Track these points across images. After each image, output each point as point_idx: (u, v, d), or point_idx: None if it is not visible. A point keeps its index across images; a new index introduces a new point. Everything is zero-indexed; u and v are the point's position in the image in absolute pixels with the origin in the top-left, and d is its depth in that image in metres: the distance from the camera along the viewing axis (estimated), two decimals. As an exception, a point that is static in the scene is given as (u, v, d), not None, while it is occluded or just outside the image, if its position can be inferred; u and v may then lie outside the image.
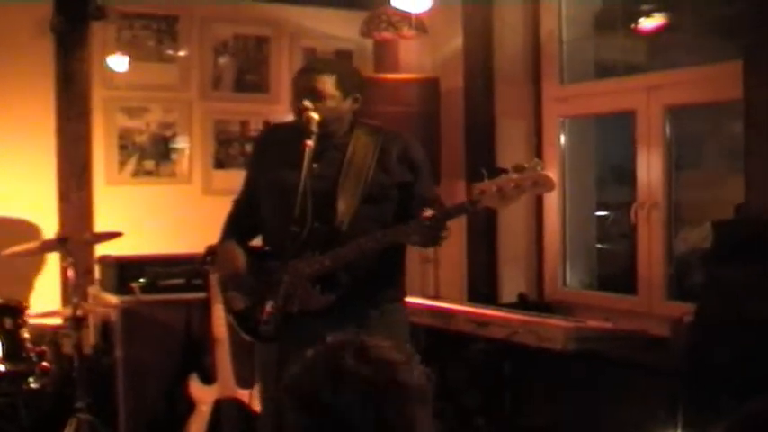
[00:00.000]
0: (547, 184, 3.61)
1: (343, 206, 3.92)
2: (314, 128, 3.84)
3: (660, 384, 4.65)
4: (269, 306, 3.72)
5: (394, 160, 4.02)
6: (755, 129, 4.64)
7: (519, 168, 3.59)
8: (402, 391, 1.94)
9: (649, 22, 6.02)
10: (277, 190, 3.98)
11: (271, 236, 4.11)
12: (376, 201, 3.97)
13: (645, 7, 5.97)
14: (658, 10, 5.94)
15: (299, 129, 3.90)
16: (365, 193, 3.95)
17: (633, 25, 6.04)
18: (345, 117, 4.05)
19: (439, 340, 5.56)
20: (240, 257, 4.11)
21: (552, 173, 5.90)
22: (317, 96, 3.93)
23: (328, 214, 3.89)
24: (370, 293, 3.98)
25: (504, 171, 3.61)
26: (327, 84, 3.96)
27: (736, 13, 4.91)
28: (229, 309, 4.15)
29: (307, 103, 3.91)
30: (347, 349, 1.97)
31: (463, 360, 5.54)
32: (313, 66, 4.21)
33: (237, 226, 4.26)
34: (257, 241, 4.27)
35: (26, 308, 5.48)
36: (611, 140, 6.56)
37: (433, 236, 3.80)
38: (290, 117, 6.27)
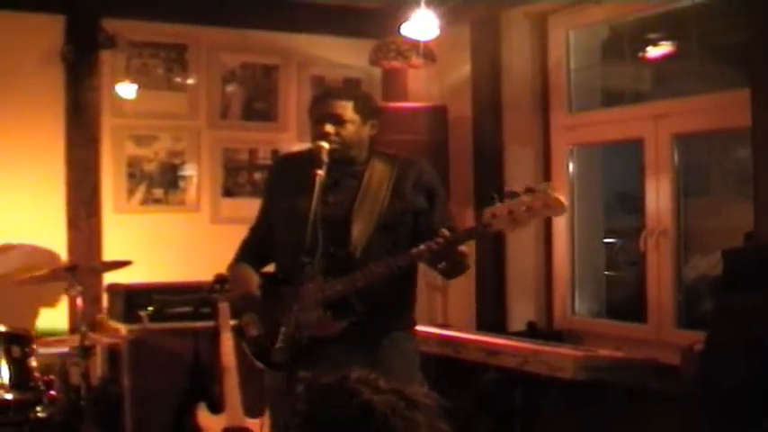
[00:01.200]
0: (558, 207, 3.59)
1: (358, 233, 3.90)
2: (324, 157, 3.84)
3: (671, 413, 4.64)
4: (282, 333, 3.72)
5: (409, 187, 4.01)
6: (764, 156, 4.65)
7: (530, 191, 3.58)
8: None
9: (656, 51, 6.04)
10: (289, 219, 3.98)
11: (283, 264, 4.10)
12: (391, 228, 3.95)
13: (651, 36, 6.00)
14: (665, 38, 5.96)
15: (311, 157, 3.90)
16: (380, 221, 3.94)
17: (640, 53, 6.06)
18: (365, 142, 4.05)
19: (449, 369, 5.54)
20: (254, 280, 4.10)
21: (561, 201, 5.95)
22: (338, 121, 3.94)
23: (342, 241, 3.88)
24: (382, 321, 3.96)
25: (515, 194, 3.59)
26: (347, 109, 3.97)
27: (743, 41, 4.91)
28: (243, 335, 4.13)
29: (329, 128, 3.92)
30: (361, 382, 1.94)
31: (474, 389, 5.52)
32: (330, 92, 4.22)
33: (251, 252, 4.25)
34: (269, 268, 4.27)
35: (34, 336, 5.47)
36: (617, 167, 6.57)
37: (442, 259, 3.77)
38: (299, 145, 6.39)
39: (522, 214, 3.57)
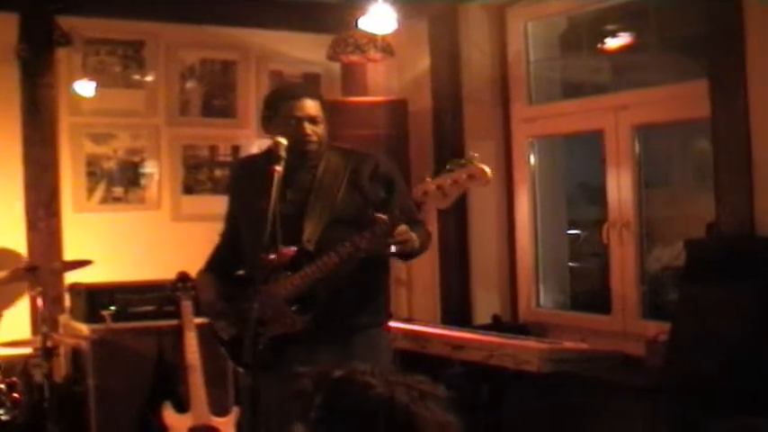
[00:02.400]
0: (482, 177, 3.62)
1: (310, 228, 3.93)
2: (282, 153, 3.84)
3: (637, 403, 4.66)
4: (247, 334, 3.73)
5: (365, 179, 4.03)
6: (723, 147, 4.69)
7: (457, 164, 3.63)
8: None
9: (615, 42, 6.06)
10: (252, 219, 3.98)
11: (249, 264, 4.10)
12: (348, 222, 3.94)
13: (610, 27, 6.02)
14: (623, 30, 5.99)
15: (269, 158, 3.90)
16: (334, 214, 3.96)
17: (599, 45, 6.08)
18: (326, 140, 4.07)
19: (414, 364, 5.54)
20: (211, 287, 4.16)
21: (523, 193, 6.00)
22: (315, 121, 3.99)
23: (297, 236, 3.89)
24: (352, 318, 3.98)
25: (444, 170, 3.65)
26: (318, 108, 4.02)
27: (701, 33, 4.94)
28: (219, 340, 4.13)
29: (310, 129, 3.96)
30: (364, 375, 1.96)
31: (440, 384, 5.51)
32: (301, 91, 4.16)
33: (220, 258, 4.28)
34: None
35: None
36: (578, 159, 6.60)
37: (384, 241, 3.78)
38: (259, 141, 6.37)
39: (450, 188, 3.62)
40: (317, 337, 3.84)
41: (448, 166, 3.64)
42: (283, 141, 3.86)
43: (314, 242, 3.90)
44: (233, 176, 4.53)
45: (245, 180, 4.21)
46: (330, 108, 4.20)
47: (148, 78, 6.74)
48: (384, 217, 3.72)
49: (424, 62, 6.58)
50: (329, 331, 3.89)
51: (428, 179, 3.65)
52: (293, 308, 3.86)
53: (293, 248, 3.86)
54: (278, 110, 4.03)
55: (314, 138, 3.97)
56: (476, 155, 3.66)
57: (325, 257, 3.81)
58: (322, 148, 4.03)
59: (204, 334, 5.38)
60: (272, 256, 3.74)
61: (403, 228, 3.77)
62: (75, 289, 6.10)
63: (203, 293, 4.24)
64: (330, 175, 4.02)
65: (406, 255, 4.01)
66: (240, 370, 4.06)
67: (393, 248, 3.86)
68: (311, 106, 3.99)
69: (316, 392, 1.98)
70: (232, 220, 4.27)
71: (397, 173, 4.18)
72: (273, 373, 3.70)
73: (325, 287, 3.86)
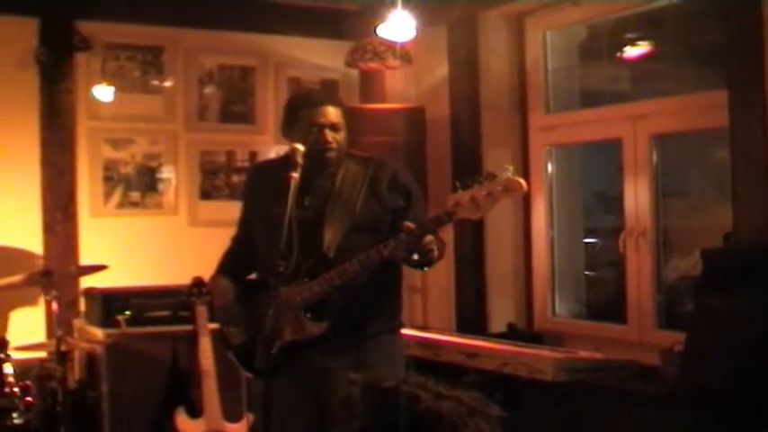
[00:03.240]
0: (518, 189, 3.62)
1: (330, 234, 3.91)
2: (299, 160, 3.82)
3: (652, 414, 4.63)
4: (261, 340, 3.72)
5: (384, 188, 4.03)
6: (741, 156, 4.65)
7: (490, 176, 3.61)
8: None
9: (633, 51, 6.04)
10: (267, 224, 3.96)
11: (263, 269, 4.09)
12: (367, 229, 3.96)
13: (629, 36, 5.99)
14: (642, 39, 5.96)
15: (287, 163, 3.89)
16: (354, 222, 3.94)
17: (618, 54, 6.05)
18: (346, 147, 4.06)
19: (428, 371, 5.52)
20: (228, 291, 4.11)
21: (540, 201, 5.97)
22: (336, 128, 3.98)
23: (316, 243, 3.88)
24: (366, 324, 3.97)
25: (477, 180, 3.62)
26: (340, 116, 4.00)
27: (720, 42, 4.91)
28: (227, 345, 4.12)
29: (331, 136, 3.94)
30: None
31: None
32: (322, 98, 4.14)
33: (233, 262, 4.25)
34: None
35: (8, 342, 5.42)
36: (595, 168, 6.57)
37: (410, 250, 3.75)
38: (276, 147, 6.38)
39: (484, 199, 3.60)
40: (329, 344, 3.84)
41: (480, 178, 3.62)
42: (300, 148, 3.84)
43: (333, 249, 3.89)
44: (249, 181, 4.50)
45: (260, 185, 4.20)
46: (348, 115, 4.17)
47: (167, 84, 6.75)
48: (412, 226, 3.70)
49: (443, 70, 6.57)
50: (342, 337, 3.87)
51: (460, 190, 3.62)
52: (308, 315, 3.85)
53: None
54: (299, 116, 4.00)
55: (334, 145, 3.96)
56: (510, 167, 3.65)
57: (347, 264, 3.80)
58: (341, 155, 4.02)
59: (218, 339, 5.39)
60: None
61: (430, 238, 3.76)
62: (90, 293, 6.10)
63: (219, 297, 4.19)
64: (349, 183, 4.01)
65: (426, 264, 3.99)
66: (249, 375, 4.05)
67: (415, 257, 3.83)
68: (333, 113, 3.97)
69: (363, 400, 1.96)
70: (246, 224, 4.27)
71: (414, 183, 4.18)
72: (286, 379, 3.69)
73: (340, 294, 3.85)
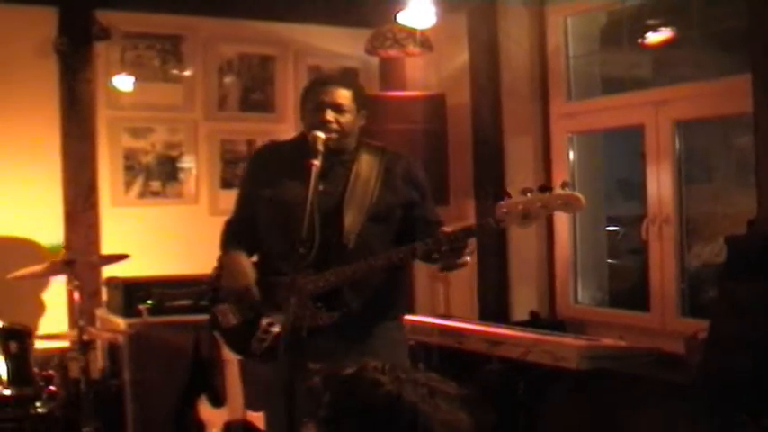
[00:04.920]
0: (577, 204, 3.59)
1: (350, 222, 3.89)
2: (320, 147, 3.80)
3: (676, 401, 4.61)
4: (265, 323, 3.71)
5: (399, 180, 4.02)
6: (766, 142, 4.61)
7: (544, 189, 3.59)
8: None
9: (655, 37, 5.99)
10: (278, 207, 3.93)
11: (272, 254, 4.03)
12: (382, 219, 3.95)
13: (651, 22, 5.95)
14: (664, 24, 5.92)
15: (299, 145, 3.88)
16: (371, 211, 3.93)
17: (639, 40, 6.01)
18: (356, 132, 4.04)
19: (451, 360, 5.52)
20: (249, 274, 4.00)
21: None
22: (339, 110, 3.94)
23: (334, 231, 3.86)
24: (374, 313, 3.96)
25: (529, 191, 3.58)
26: (347, 98, 3.97)
27: (743, 27, 4.88)
28: (216, 324, 4.07)
29: (330, 115, 3.91)
30: (375, 372, 1.94)
31: (476, 379, 5.49)
32: (330, 79, 4.15)
33: (236, 243, 4.16)
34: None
35: (32, 331, 5.43)
36: (617, 155, 6.54)
37: (450, 255, 3.74)
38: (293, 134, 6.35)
39: (537, 210, 3.58)
40: (335, 332, 3.81)
41: (535, 189, 3.58)
42: (321, 135, 3.83)
43: (353, 238, 3.87)
44: (254, 162, 4.38)
45: (269, 167, 4.13)
46: (364, 102, 4.12)
47: (187, 73, 6.75)
48: (450, 230, 3.70)
49: (463, 57, 6.55)
50: (350, 326, 3.86)
51: (513, 197, 3.59)
52: (319, 304, 3.83)
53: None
54: (309, 96, 4.02)
55: (334, 126, 3.91)
56: (568, 181, 3.63)
57: (372, 260, 3.79)
58: (345, 138, 3.98)
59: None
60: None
61: (473, 241, 3.75)
62: (112, 283, 6.12)
63: (235, 277, 4.01)
64: (365, 172, 3.99)
65: (458, 267, 3.95)
66: (237, 357, 4.01)
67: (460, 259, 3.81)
68: (340, 94, 3.95)
69: (324, 390, 1.96)
70: (247, 206, 4.18)
71: (425, 177, 4.17)
72: (288, 365, 3.66)
73: (351, 284, 3.85)
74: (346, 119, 3.96)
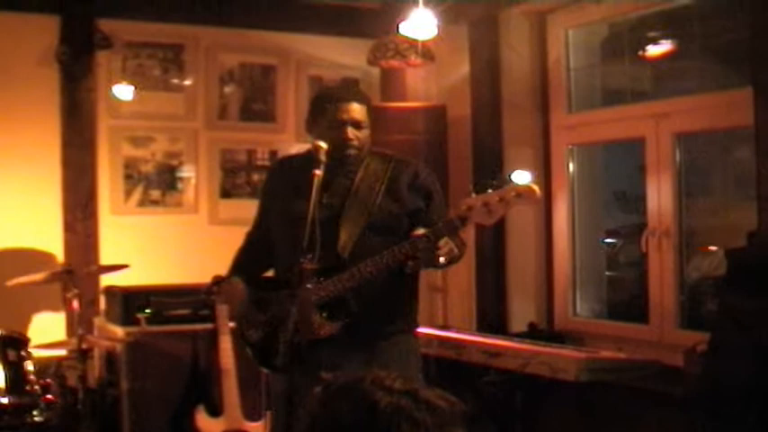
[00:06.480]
0: (531, 196, 3.62)
1: (345, 235, 3.89)
2: (322, 157, 3.80)
3: (674, 414, 4.60)
4: (282, 337, 3.71)
5: (404, 188, 3.99)
6: (766, 155, 4.61)
7: (504, 181, 3.62)
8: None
9: (656, 49, 6.00)
10: (287, 220, 3.95)
11: (280, 266, 4.07)
12: (383, 230, 3.92)
13: (651, 34, 5.95)
14: (665, 37, 5.92)
15: (309, 159, 3.86)
16: (370, 221, 3.91)
17: (640, 52, 6.02)
18: (369, 145, 4.03)
19: (450, 371, 5.51)
20: (240, 291, 4.07)
21: (561, 200, 5.94)
22: (359, 126, 3.94)
23: (332, 242, 3.85)
24: (381, 324, 3.94)
25: (490, 185, 3.62)
26: (363, 113, 3.97)
27: (743, 39, 4.88)
28: (246, 342, 4.10)
29: (352, 133, 3.91)
30: (370, 383, 1.90)
31: (475, 391, 5.48)
32: (346, 95, 4.06)
33: (247, 259, 4.22)
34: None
35: (30, 339, 5.42)
36: (613, 167, 6.54)
37: (427, 255, 3.75)
38: (297, 146, 6.36)
39: (497, 205, 3.62)
40: (345, 343, 3.81)
41: (494, 182, 3.61)
42: (323, 145, 3.82)
43: (348, 250, 3.87)
44: (270, 176, 4.43)
45: (281, 180, 4.16)
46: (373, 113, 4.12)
47: (187, 82, 6.74)
48: (422, 233, 3.69)
49: (464, 68, 6.55)
50: (356, 337, 3.85)
51: (473, 195, 3.61)
52: (324, 314, 3.82)
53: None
54: (323, 111, 3.98)
55: (355, 143, 3.93)
56: (527, 172, 3.65)
57: (362, 266, 3.78)
58: (363, 153, 3.99)
59: (239, 338, 5.38)
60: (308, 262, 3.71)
61: (445, 241, 3.74)
62: (110, 291, 6.11)
63: (233, 299, 4.14)
64: (368, 182, 3.98)
65: (443, 266, 3.96)
66: (266, 371, 4.04)
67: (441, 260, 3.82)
68: (357, 110, 3.94)
69: (317, 400, 1.94)
70: (263, 220, 4.24)
71: (436, 183, 4.14)
72: (299, 376, 3.66)
73: (357, 294, 3.83)
74: (364, 134, 3.97)
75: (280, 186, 4.15)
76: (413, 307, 4.12)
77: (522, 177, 3.62)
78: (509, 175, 3.67)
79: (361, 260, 3.79)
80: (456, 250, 3.84)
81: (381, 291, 3.89)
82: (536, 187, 3.62)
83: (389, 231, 3.93)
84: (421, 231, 3.72)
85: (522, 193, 3.59)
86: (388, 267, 3.77)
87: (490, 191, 3.60)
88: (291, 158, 4.50)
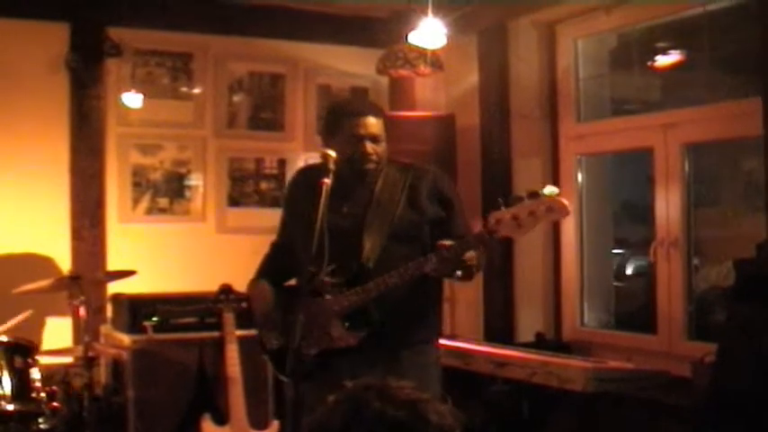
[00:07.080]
0: (561, 210, 3.58)
1: (369, 244, 3.89)
2: (331, 166, 3.79)
3: (683, 425, 4.58)
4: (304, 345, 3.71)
5: (424, 197, 3.99)
6: (775, 165, 4.60)
7: (533, 195, 3.57)
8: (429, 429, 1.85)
9: (665, 59, 5.99)
10: (306, 230, 3.93)
11: (302, 274, 4.05)
12: (405, 239, 3.93)
13: (660, 44, 5.94)
14: (674, 47, 5.91)
15: (324, 170, 3.86)
16: (393, 231, 3.91)
17: (649, 62, 6.01)
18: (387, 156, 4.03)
19: (457, 381, 5.49)
20: (269, 296, 4.08)
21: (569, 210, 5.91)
22: (377, 140, 3.94)
23: (355, 252, 3.86)
24: (402, 333, 3.93)
25: (519, 199, 3.58)
26: (380, 127, 3.96)
27: (752, 50, 4.87)
28: (263, 348, 4.10)
29: (371, 148, 3.90)
30: (371, 391, 1.89)
31: (482, 401, 5.47)
32: (364, 109, 4.04)
33: (272, 267, 4.23)
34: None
35: (37, 346, 5.41)
36: (621, 177, 6.53)
37: (452, 267, 3.74)
38: (305, 155, 6.38)
39: (526, 218, 3.57)
40: (363, 353, 3.81)
41: (525, 196, 3.58)
42: (332, 154, 3.81)
43: (373, 260, 3.86)
44: (291, 186, 4.44)
45: (302, 189, 4.15)
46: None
47: (196, 90, 6.75)
48: (448, 244, 3.68)
49: (473, 77, 6.55)
50: (378, 347, 3.84)
51: (503, 208, 3.59)
52: (347, 324, 3.83)
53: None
54: (341, 125, 3.96)
55: (374, 157, 3.92)
56: (554, 187, 3.61)
57: (386, 277, 3.77)
58: (381, 166, 3.98)
59: (245, 346, 5.37)
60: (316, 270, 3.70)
61: (471, 254, 3.74)
62: (117, 299, 6.10)
63: (258, 302, 4.12)
64: (388, 191, 3.98)
65: (466, 278, 3.95)
66: (283, 379, 4.02)
67: (458, 273, 3.82)
68: (374, 124, 3.93)
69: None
70: (286, 229, 4.26)
71: (454, 191, 4.15)
72: (320, 385, 3.65)
73: (380, 304, 3.83)
74: (382, 147, 3.96)
75: (300, 196, 4.13)
76: (436, 317, 4.11)
77: (551, 191, 3.57)
78: (533, 191, 3.60)
79: (386, 269, 3.79)
80: (476, 263, 3.83)
81: (405, 300, 3.89)
82: (566, 201, 3.58)
83: (412, 240, 3.93)
84: (448, 243, 3.70)
85: (553, 206, 3.56)
86: (413, 277, 3.77)
87: (519, 204, 3.57)
88: (312, 168, 4.47)
